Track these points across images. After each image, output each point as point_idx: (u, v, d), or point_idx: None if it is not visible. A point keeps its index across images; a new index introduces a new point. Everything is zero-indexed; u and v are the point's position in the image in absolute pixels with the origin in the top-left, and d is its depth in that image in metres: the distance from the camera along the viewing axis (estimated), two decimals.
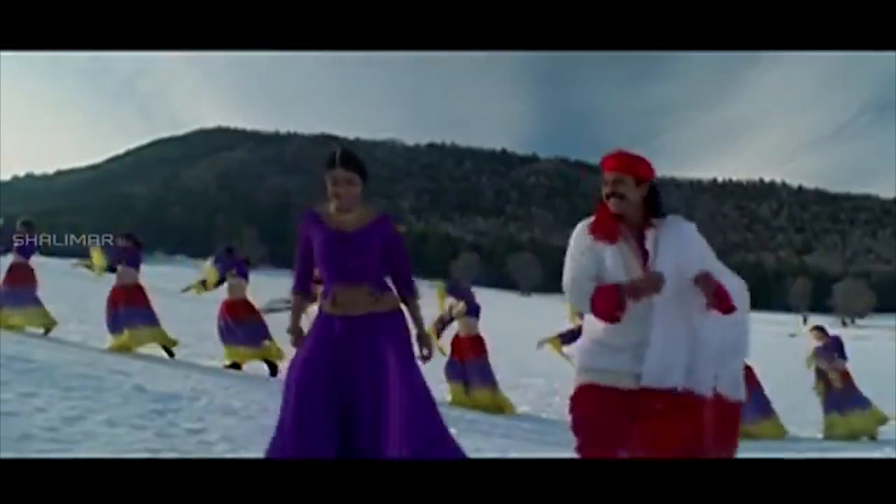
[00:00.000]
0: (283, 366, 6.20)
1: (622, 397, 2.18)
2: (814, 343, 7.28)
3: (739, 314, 2.24)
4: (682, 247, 2.24)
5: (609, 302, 2.17)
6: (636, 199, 2.28)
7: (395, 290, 2.87)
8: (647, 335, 2.17)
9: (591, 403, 2.24)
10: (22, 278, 7.48)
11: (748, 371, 6.86)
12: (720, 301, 2.16)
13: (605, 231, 2.27)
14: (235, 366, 6.95)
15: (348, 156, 2.74)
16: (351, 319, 2.71)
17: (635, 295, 2.14)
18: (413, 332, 2.89)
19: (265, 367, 7.02)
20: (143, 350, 7.00)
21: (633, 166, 2.27)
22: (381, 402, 2.59)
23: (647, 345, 2.17)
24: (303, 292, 2.92)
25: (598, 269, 2.27)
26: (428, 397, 2.65)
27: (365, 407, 2.60)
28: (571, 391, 2.34)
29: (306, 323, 2.89)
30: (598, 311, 2.20)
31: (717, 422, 2.20)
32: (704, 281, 2.16)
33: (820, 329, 7.43)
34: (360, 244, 2.71)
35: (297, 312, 2.92)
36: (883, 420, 6.92)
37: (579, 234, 2.34)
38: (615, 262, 2.24)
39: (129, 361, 6.16)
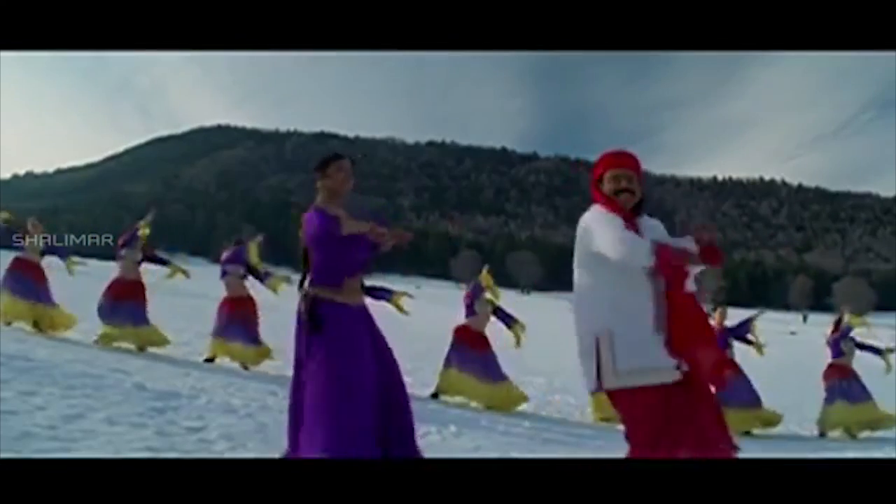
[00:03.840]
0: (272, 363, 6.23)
1: (668, 391, 2.20)
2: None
3: None
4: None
5: (678, 256, 2.20)
6: (636, 198, 2.44)
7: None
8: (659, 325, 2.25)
9: (652, 404, 2.21)
10: (33, 273, 7.58)
11: (733, 364, 6.93)
12: (710, 256, 2.22)
13: (622, 214, 2.35)
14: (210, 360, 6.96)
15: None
16: (358, 309, 2.90)
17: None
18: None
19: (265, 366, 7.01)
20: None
21: (639, 168, 2.47)
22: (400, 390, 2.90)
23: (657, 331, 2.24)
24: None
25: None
26: None
27: (397, 394, 2.86)
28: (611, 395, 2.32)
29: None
30: (665, 261, 2.19)
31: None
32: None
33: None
34: (359, 238, 2.84)
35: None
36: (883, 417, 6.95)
37: (609, 214, 2.35)
38: None
39: (128, 360, 6.16)
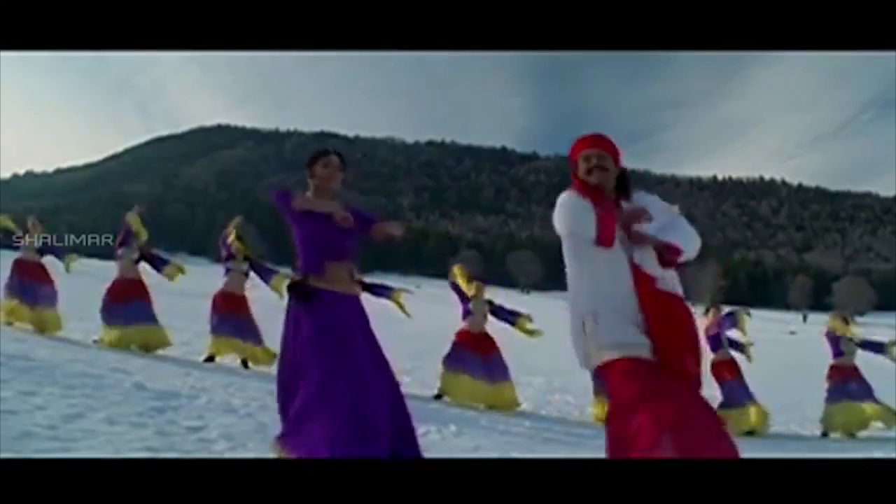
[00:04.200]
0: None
1: (651, 365, 2.26)
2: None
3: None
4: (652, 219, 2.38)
5: (610, 227, 2.32)
6: (612, 177, 2.50)
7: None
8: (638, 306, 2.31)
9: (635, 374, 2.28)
10: (37, 275, 7.60)
11: (731, 362, 6.93)
12: (665, 254, 2.33)
13: (591, 193, 2.42)
14: (210, 359, 6.96)
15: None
16: (346, 297, 2.92)
17: (628, 220, 2.35)
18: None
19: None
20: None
21: (612, 147, 2.52)
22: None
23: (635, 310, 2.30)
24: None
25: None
26: None
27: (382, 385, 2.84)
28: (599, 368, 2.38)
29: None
30: (602, 235, 2.32)
31: None
32: (639, 239, 2.34)
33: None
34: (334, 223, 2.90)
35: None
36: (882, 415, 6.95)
37: (568, 194, 2.46)
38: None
39: (129, 359, 6.16)
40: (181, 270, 7.68)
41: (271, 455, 2.76)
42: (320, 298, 2.86)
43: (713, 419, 2.25)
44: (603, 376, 2.39)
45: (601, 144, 2.51)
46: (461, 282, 6.93)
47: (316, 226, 2.91)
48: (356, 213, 3.00)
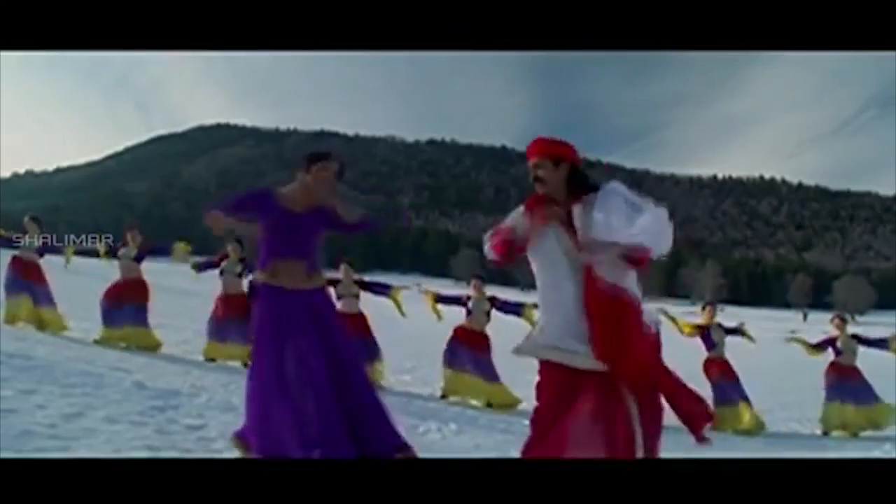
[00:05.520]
0: None
1: (574, 382, 2.25)
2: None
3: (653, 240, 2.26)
4: (602, 215, 2.25)
5: (499, 248, 2.40)
6: (556, 180, 2.36)
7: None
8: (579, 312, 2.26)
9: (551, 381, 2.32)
10: (38, 275, 7.60)
11: (723, 362, 6.91)
12: (633, 254, 2.23)
13: (534, 209, 2.37)
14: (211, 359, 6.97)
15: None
16: (295, 293, 2.98)
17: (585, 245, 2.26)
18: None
19: None
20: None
21: (548, 150, 2.37)
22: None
23: (582, 320, 2.24)
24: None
25: (521, 235, 2.39)
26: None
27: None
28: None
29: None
30: (499, 249, 2.41)
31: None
32: (590, 248, 2.24)
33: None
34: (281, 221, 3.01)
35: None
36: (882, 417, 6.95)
37: (517, 211, 2.47)
38: (554, 243, 2.32)
39: (129, 358, 6.17)
40: (187, 248, 7.59)
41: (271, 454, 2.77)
42: (262, 295, 3.02)
43: (617, 440, 2.14)
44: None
45: (535, 151, 2.39)
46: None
47: (274, 229, 3.03)
48: (324, 211, 3.06)
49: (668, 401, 2.26)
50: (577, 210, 2.31)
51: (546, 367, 2.32)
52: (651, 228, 2.21)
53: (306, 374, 2.79)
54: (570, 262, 2.28)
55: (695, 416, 2.27)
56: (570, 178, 2.36)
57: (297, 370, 2.80)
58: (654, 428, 2.21)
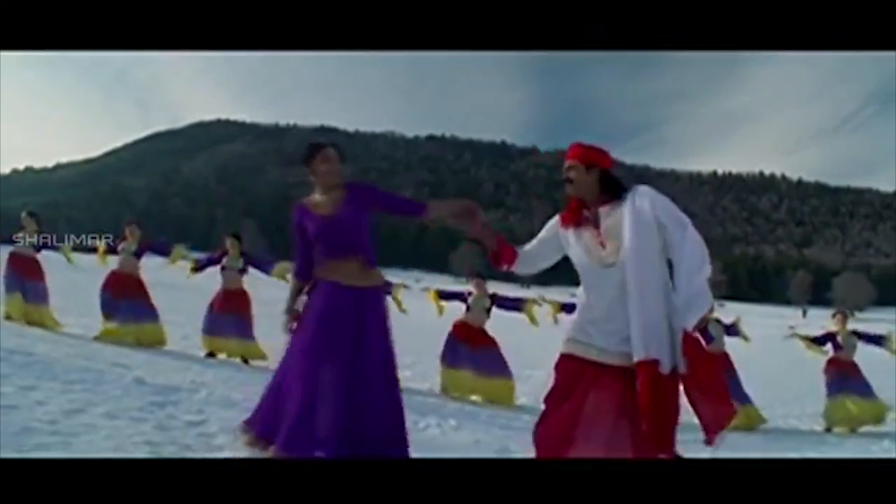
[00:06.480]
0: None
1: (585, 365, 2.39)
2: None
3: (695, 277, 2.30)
4: (632, 221, 2.35)
5: (495, 255, 2.81)
6: (587, 183, 2.49)
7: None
8: (609, 310, 2.36)
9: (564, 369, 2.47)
10: (32, 272, 7.58)
11: (724, 356, 6.91)
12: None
13: (567, 215, 2.56)
14: (211, 355, 6.98)
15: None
16: (348, 289, 2.98)
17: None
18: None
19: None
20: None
21: (582, 155, 2.52)
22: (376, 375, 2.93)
23: (611, 320, 2.35)
24: (305, 280, 3.17)
25: (555, 243, 2.63)
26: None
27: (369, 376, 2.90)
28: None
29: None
30: (496, 259, 2.83)
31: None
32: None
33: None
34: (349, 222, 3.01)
35: (294, 295, 3.17)
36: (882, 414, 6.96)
37: (551, 221, 2.69)
38: (577, 245, 2.49)
39: (129, 354, 6.17)
40: (184, 254, 7.61)
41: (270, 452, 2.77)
42: (316, 288, 3.04)
43: (621, 430, 2.23)
44: None
45: (570, 154, 2.55)
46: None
47: (312, 237, 3.06)
48: (353, 202, 3.05)
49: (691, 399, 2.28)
50: (603, 212, 2.46)
51: (563, 356, 2.47)
52: (695, 264, 2.31)
53: (328, 372, 2.80)
54: (590, 261, 2.43)
55: (716, 419, 2.28)
56: (601, 181, 2.49)
57: (318, 365, 2.80)
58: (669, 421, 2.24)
